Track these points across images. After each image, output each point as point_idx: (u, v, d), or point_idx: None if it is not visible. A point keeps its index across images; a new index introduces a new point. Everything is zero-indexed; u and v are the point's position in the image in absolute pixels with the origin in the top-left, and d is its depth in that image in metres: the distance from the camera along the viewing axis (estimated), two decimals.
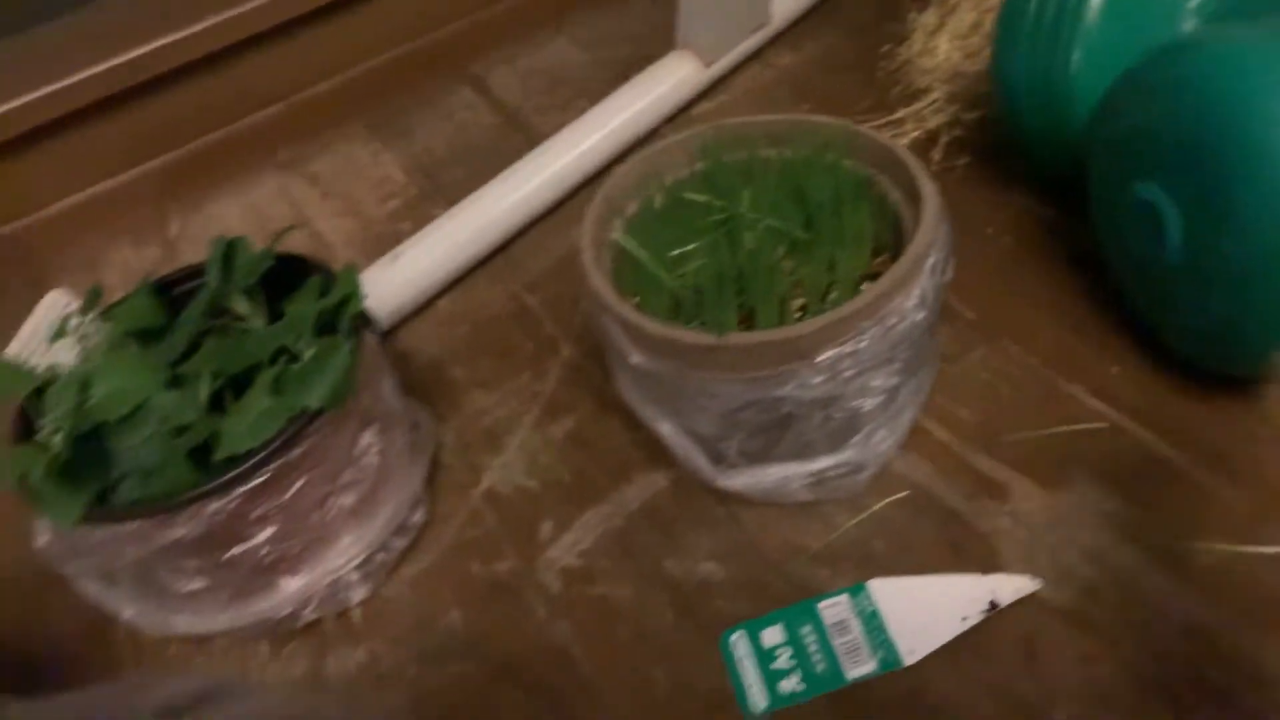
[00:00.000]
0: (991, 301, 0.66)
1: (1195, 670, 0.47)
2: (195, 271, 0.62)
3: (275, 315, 0.61)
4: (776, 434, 0.55)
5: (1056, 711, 0.46)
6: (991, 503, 0.55)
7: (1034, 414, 0.59)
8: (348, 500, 0.56)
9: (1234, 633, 0.48)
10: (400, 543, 0.59)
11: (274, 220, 0.89)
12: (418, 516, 0.61)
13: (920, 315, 0.52)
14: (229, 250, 0.61)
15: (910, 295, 0.51)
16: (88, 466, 0.52)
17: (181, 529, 0.50)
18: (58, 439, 0.50)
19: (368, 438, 0.57)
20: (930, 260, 0.53)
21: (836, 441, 0.56)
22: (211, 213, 0.93)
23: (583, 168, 0.83)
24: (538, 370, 0.70)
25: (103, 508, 0.51)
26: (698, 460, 0.56)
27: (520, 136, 0.92)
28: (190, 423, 0.53)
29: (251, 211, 0.92)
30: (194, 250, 0.89)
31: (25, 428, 0.55)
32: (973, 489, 0.56)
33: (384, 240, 0.83)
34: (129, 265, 0.90)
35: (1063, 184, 0.70)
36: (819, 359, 0.50)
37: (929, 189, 0.55)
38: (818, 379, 0.51)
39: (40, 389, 0.55)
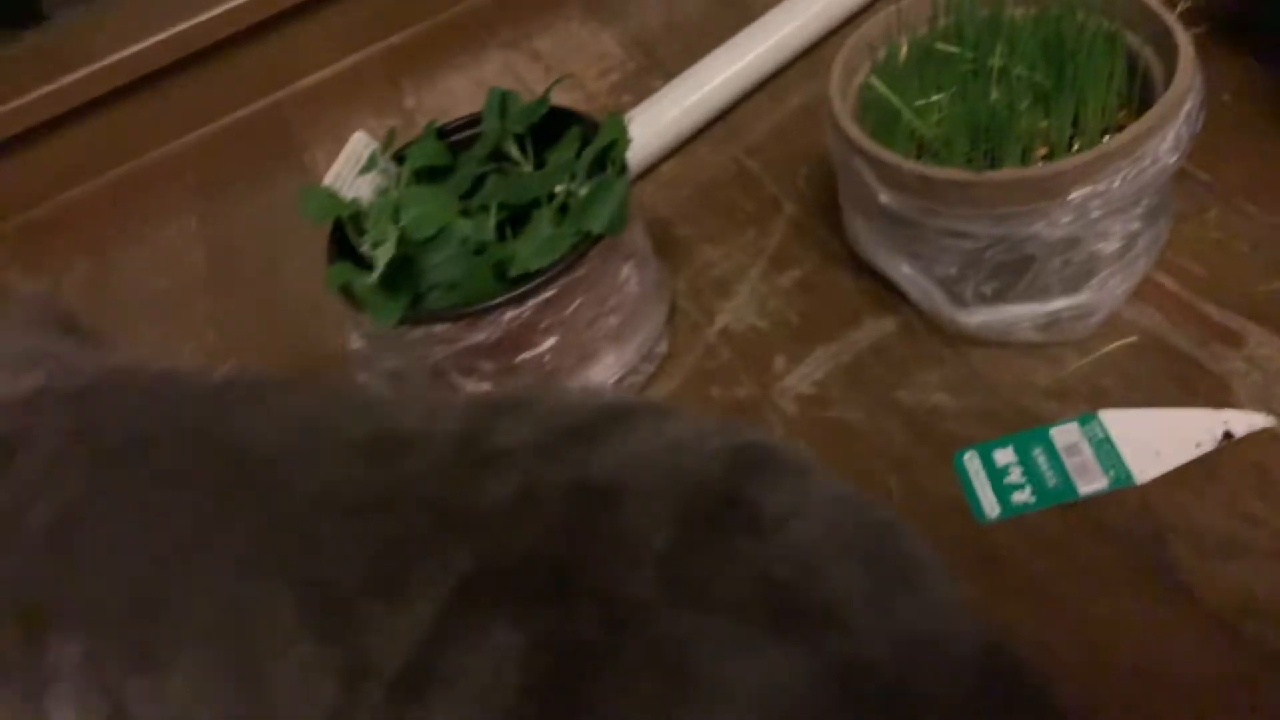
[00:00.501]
0: (1227, 165, 0.66)
1: None
2: (471, 121, 0.70)
3: (538, 163, 0.68)
4: (1014, 276, 0.58)
5: None
6: (1224, 348, 0.57)
7: (1272, 270, 0.60)
8: (612, 323, 0.63)
9: None
10: (648, 368, 0.66)
11: None
12: (661, 347, 0.67)
13: (1172, 159, 0.54)
14: (503, 100, 0.68)
15: (1165, 138, 0.53)
16: (402, 279, 0.60)
17: (483, 333, 0.58)
18: (381, 251, 0.59)
19: (628, 270, 0.63)
20: (1186, 106, 0.54)
21: (1072, 285, 0.58)
22: (443, 87, 1.01)
23: (801, 39, 0.86)
24: (762, 227, 0.75)
25: (418, 311, 0.59)
26: (935, 299, 0.60)
27: (732, 13, 0.95)
28: (487, 242, 0.60)
29: (480, 86, 0.98)
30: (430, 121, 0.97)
31: (341, 246, 0.64)
32: (1204, 335, 0.58)
33: (607, 112, 0.88)
34: (373, 134, 0.99)
35: None
36: (1071, 197, 0.53)
37: (1184, 38, 0.56)
38: (1066, 218, 0.54)
39: (349, 215, 0.64)
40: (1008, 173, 0.54)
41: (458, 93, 1.00)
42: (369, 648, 0.27)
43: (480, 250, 0.61)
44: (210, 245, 0.94)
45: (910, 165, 0.55)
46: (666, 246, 0.77)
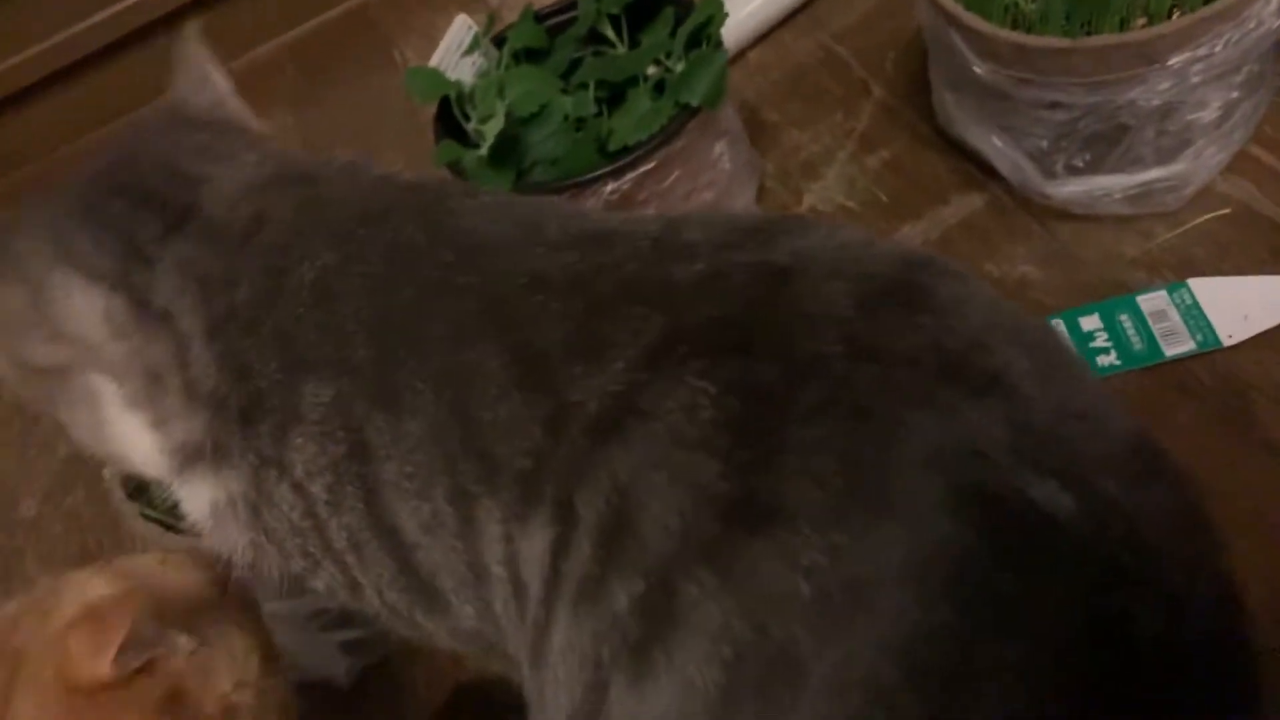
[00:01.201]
0: None
1: None
2: (566, 6, 0.71)
3: (632, 44, 0.69)
4: (1107, 147, 0.59)
5: None
6: None
7: None
8: (706, 198, 0.65)
9: None
10: None
11: None
12: None
13: (1277, 23, 0.54)
14: None
15: (1271, 1, 0.53)
16: (508, 154, 0.63)
17: (585, 205, 0.61)
18: (490, 126, 0.62)
19: (721, 147, 0.65)
20: None
21: (1166, 156, 0.59)
22: None
23: None
24: (850, 110, 0.76)
25: (523, 184, 0.62)
26: (1025, 171, 0.61)
27: None
28: (587, 118, 0.63)
29: None
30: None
31: (448, 125, 0.67)
32: None
33: None
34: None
35: None
36: (1170, 62, 0.53)
37: None
38: (1164, 84, 0.54)
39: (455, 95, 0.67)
40: (1106, 37, 0.54)
41: None
42: (570, 397, 0.31)
43: (580, 126, 0.63)
44: (307, 138, 0.98)
45: (1006, 34, 0.56)
46: (755, 130, 0.78)
